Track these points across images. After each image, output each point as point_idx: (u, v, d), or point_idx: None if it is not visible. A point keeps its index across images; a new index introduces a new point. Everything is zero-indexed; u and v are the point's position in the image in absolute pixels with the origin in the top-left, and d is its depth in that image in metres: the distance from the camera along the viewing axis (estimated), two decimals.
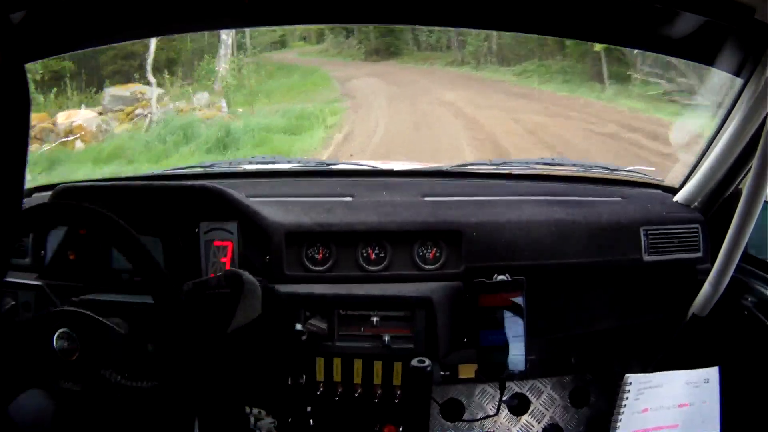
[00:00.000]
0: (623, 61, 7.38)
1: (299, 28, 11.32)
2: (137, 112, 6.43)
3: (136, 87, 6.68)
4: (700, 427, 1.25)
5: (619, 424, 1.23)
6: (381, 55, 11.54)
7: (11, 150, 0.67)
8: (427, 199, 1.37)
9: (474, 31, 9.51)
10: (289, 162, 1.57)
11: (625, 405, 1.23)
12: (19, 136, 0.67)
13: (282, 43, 11.88)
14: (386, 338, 1.21)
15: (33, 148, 5.24)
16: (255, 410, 1.31)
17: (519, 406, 1.52)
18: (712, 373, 1.25)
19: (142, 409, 1.07)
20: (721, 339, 1.35)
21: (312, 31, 11.96)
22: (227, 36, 7.78)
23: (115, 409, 1.04)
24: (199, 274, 1.22)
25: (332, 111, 7.47)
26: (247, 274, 1.09)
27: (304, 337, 1.18)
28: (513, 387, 1.53)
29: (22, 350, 0.95)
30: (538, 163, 1.57)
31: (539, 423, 1.52)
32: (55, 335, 0.94)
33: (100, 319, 0.96)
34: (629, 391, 1.24)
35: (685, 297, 1.33)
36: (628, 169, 1.54)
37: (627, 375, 1.23)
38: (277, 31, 11.14)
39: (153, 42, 6.34)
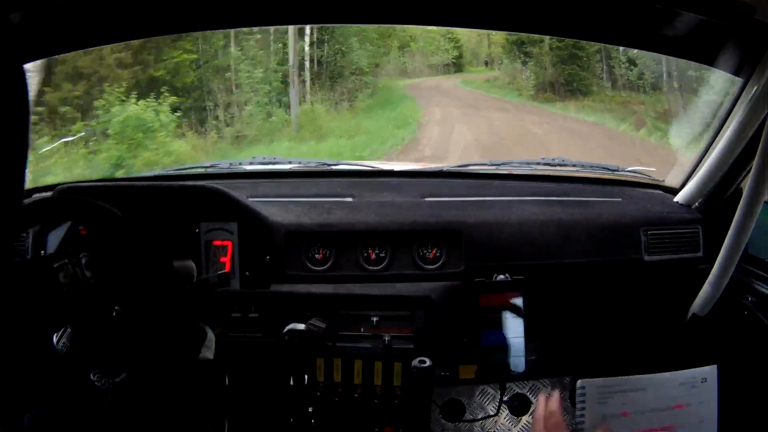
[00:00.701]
0: None
1: (483, 52, 9.84)
2: None
3: None
4: (697, 428, 1.23)
5: (583, 427, 1.18)
6: (557, 92, 7.65)
7: (11, 149, 0.67)
8: (427, 199, 1.37)
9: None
10: (289, 162, 1.56)
11: (583, 410, 1.18)
12: (19, 135, 0.68)
13: (458, 67, 9.92)
14: (386, 338, 1.21)
15: None
16: None
17: (519, 406, 1.52)
18: (709, 372, 1.23)
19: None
20: (721, 339, 1.35)
21: (495, 56, 9.64)
22: None
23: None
24: (199, 274, 1.22)
25: None
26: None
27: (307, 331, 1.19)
28: (513, 387, 1.53)
29: (22, 346, 0.95)
30: (538, 164, 1.56)
31: None
32: (57, 334, 0.94)
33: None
34: (584, 395, 1.18)
35: (685, 297, 1.33)
36: (628, 169, 1.54)
37: (579, 381, 1.18)
38: (451, 52, 9.66)
39: None
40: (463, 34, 9.67)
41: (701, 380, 1.23)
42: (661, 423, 1.23)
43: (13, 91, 0.66)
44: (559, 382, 1.54)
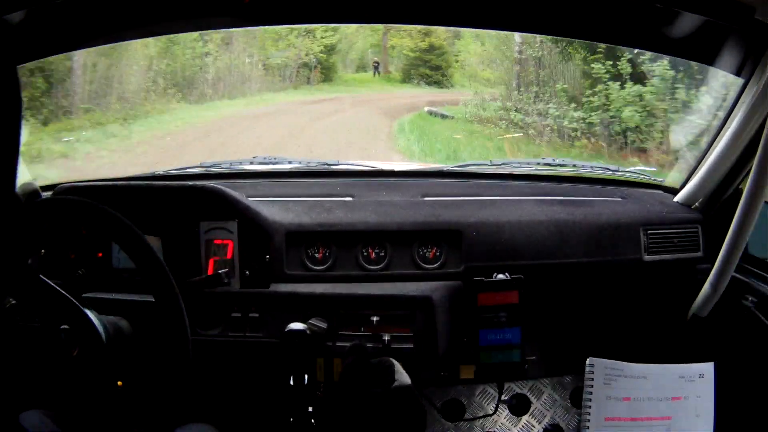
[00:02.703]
0: None
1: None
2: None
3: None
4: (693, 422, 1.25)
5: (590, 404, 1.23)
6: None
7: (2, 150, 0.67)
8: (427, 199, 1.37)
9: None
10: (290, 162, 1.57)
11: (591, 387, 1.23)
12: (11, 136, 0.68)
13: (324, 73, 5.04)
14: (386, 338, 1.21)
15: None
16: None
17: (519, 406, 1.52)
18: (707, 369, 1.26)
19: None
20: (722, 339, 1.35)
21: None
22: None
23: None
24: (199, 273, 1.22)
25: None
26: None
27: (308, 332, 1.18)
28: (513, 387, 1.53)
29: (23, 348, 0.95)
30: (539, 164, 1.57)
31: (540, 423, 1.51)
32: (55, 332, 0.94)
33: (94, 323, 0.96)
34: (593, 372, 1.24)
35: (685, 297, 1.33)
36: (629, 169, 1.54)
37: (589, 358, 1.24)
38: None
39: None
40: None
41: (699, 375, 1.26)
42: (659, 413, 1.26)
43: (5, 92, 0.66)
44: (560, 382, 1.54)
